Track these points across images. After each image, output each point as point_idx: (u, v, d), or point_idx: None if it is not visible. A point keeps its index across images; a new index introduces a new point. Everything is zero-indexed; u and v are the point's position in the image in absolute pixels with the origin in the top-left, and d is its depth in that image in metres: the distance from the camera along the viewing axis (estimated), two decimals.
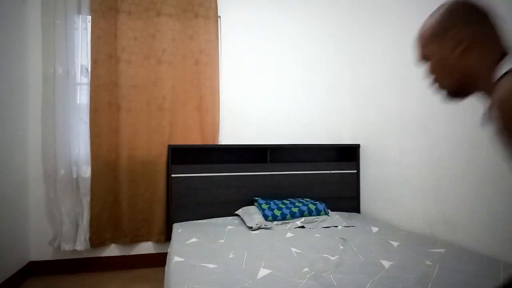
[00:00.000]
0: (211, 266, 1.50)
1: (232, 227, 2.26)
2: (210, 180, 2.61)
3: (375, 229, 2.17)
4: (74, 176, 2.52)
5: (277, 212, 2.34)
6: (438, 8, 0.91)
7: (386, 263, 1.53)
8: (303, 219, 2.34)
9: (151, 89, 2.64)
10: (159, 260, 2.63)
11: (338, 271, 1.44)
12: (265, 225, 2.24)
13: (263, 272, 1.43)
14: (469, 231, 1.78)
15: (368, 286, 1.28)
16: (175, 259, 1.63)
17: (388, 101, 2.48)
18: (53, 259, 2.56)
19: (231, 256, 1.65)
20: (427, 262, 1.53)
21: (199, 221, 2.47)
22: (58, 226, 2.49)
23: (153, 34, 2.63)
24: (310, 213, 2.40)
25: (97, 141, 2.53)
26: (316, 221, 2.34)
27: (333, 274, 1.40)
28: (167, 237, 2.61)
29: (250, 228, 2.21)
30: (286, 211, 2.36)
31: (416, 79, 2.19)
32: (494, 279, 1.31)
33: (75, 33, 2.55)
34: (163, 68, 2.63)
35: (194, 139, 2.71)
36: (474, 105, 1.76)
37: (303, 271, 1.44)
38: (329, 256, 1.64)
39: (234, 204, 2.61)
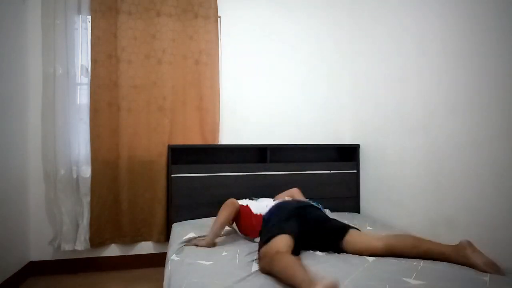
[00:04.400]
0: (207, 263, 1.54)
1: (228, 227, 2.26)
2: (210, 180, 2.60)
3: (369, 229, 2.18)
4: (74, 176, 2.52)
5: None
6: None
7: (370, 258, 1.57)
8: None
9: (151, 89, 2.64)
10: (159, 260, 2.63)
11: (325, 265, 1.49)
12: None
13: (256, 267, 1.49)
14: (470, 231, 1.78)
15: (353, 276, 1.34)
16: (172, 257, 1.67)
17: (388, 101, 2.48)
18: (53, 259, 2.56)
19: (224, 253, 1.70)
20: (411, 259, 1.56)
21: (198, 220, 2.47)
22: (58, 226, 2.49)
23: (153, 34, 2.63)
24: None
25: (97, 141, 2.53)
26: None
27: (321, 266, 1.45)
28: (167, 237, 2.61)
29: None
30: None
31: (416, 79, 2.19)
32: (479, 279, 1.31)
33: (75, 33, 2.55)
34: (163, 68, 2.63)
35: (194, 139, 2.72)
36: (474, 105, 1.76)
37: None
38: (318, 252, 1.69)
39: None
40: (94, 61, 2.53)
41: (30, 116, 2.53)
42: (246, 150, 2.84)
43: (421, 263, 1.47)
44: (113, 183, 2.58)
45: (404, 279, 1.30)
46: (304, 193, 2.75)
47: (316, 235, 1.71)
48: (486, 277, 1.30)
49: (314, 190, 2.78)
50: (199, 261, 1.57)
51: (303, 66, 3.00)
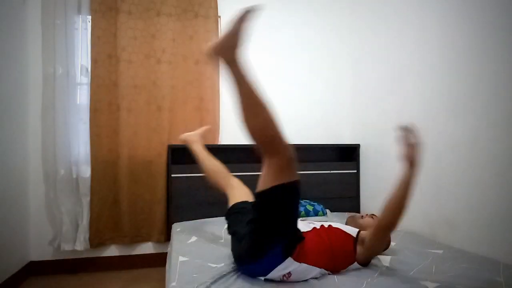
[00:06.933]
0: (218, 265, 1.49)
1: None
2: None
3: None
4: (74, 176, 2.52)
5: None
6: None
7: (382, 263, 1.54)
8: (299, 220, 2.33)
9: (151, 89, 2.63)
10: (159, 260, 2.63)
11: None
12: None
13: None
14: (469, 231, 1.79)
15: (364, 286, 1.30)
16: (179, 258, 1.61)
17: (388, 101, 2.48)
18: (53, 259, 2.56)
19: None
20: (425, 262, 1.54)
21: (197, 220, 2.46)
22: (58, 226, 2.49)
23: (153, 34, 2.63)
24: (307, 214, 2.40)
25: (97, 141, 2.53)
26: (313, 222, 2.31)
27: (333, 274, 1.41)
28: (167, 237, 2.61)
29: None
30: None
31: (416, 79, 2.19)
32: (493, 280, 1.31)
33: (75, 33, 2.54)
34: (163, 68, 2.63)
35: None
36: (474, 105, 1.76)
37: None
38: None
39: None
40: (94, 61, 2.53)
41: (30, 116, 2.52)
42: (246, 150, 2.84)
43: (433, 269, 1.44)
44: (113, 183, 2.57)
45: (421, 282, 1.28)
46: (304, 193, 2.76)
47: None
48: (500, 278, 1.29)
49: (314, 190, 2.78)
50: (209, 263, 1.50)
51: (303, 66, 3.00)
